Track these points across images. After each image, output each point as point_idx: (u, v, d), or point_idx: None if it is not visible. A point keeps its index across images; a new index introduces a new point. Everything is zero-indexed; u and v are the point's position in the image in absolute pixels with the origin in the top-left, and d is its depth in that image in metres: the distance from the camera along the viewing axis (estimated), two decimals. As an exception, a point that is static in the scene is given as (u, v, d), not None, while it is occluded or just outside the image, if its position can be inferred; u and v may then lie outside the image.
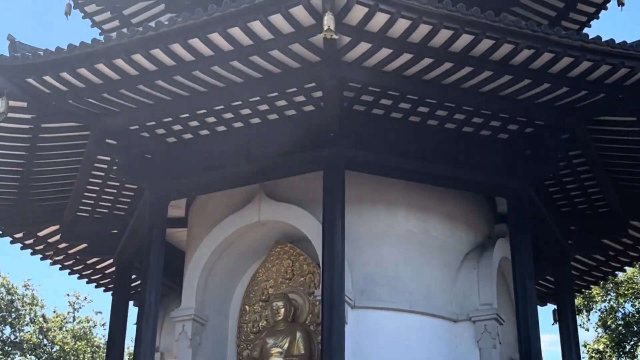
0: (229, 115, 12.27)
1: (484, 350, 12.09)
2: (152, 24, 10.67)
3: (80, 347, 32.94)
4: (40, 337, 32.18)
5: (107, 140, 12.53)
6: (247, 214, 12.79)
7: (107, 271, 17.49)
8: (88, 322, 34.68)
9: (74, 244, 16.07)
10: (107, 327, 34.05)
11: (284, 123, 12.28)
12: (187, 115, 12.19)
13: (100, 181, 14.11)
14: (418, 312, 12.17)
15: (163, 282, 16.03)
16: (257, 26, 10.21)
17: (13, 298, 31.73)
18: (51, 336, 32.68)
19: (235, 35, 10.30)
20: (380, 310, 11.96)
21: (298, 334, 12.32)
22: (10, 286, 31.68)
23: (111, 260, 16.86)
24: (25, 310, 32.07)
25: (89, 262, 17.03)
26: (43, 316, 32.84)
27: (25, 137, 12.69)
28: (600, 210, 14.77)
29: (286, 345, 12.24)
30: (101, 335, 34.33)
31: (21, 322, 31.76)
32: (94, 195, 14.55)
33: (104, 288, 18.29)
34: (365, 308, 11.87)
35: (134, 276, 17.29)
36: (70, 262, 16.87)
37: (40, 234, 15.84)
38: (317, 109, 12.04)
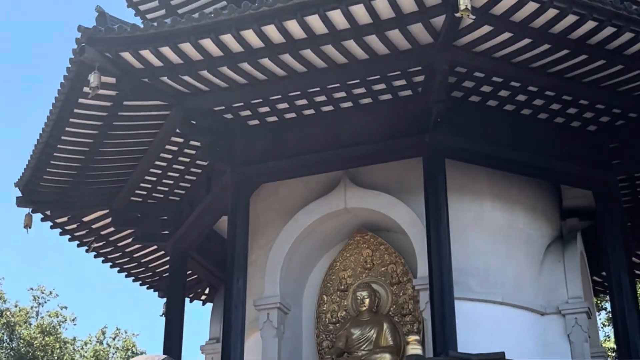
0: (320, 98, 11.88)
1: (575, 344, 11.92)
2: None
3: (48, 342, 31.93)
4: (4, 332, 31.09)
5: (191, 121, 12.00)
6: (333, 200, 12.41)
7: (143, 260, 16.89)
8: (57, 317, 33.72)
9: (118, 230, 15.48)
10: (77, 322, 33.84)
11: (377, 108, 11.95)
12: (277, 97, 11.77)
13: (165, 164, 13.55)
14: (509, 304, 11.94)
15: (212, 272, 15.86)
16: (380, 4, 9.86)
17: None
18: (18, 331, 31.66)
19: (332, 17, 9.96)
20: (473, 302, 11.68)
21: (385, 325, 12.02)
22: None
23: (151, 249, 16.39)
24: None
25: (128, 250, 16.40)
26: (8, 310, 31.78)
27: (100, 115, 12.10)
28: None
29: (374, 337, 11.94)
30: (70, 330, 33.41)
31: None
32: (154, 179, 13.99)
33: (133, 277, 17.66)
34: (458, 299, 11.54)
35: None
36: (109, 249, 16.24)
37: (86, 219, 15.20)
38: (414, 94, 11.75)
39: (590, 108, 12.08)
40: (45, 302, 33.68)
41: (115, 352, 35.61)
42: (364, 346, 11.86)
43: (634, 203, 14.76)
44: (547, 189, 13.64)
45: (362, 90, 11.67)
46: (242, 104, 11.94)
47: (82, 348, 34.12)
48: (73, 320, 33.62)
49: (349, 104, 12.01)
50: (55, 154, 12.84)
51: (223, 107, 12.04)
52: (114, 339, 36.14)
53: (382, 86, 11.59)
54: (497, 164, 12.10)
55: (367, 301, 12.16)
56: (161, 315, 17.91)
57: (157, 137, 12.73)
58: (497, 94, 11.76)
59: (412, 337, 9.73)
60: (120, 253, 16.50)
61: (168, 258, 16.69)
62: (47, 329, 32.56)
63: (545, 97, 11.83)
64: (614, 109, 12.10)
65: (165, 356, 6.40)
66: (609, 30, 10.33)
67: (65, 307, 33.54)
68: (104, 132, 12.44)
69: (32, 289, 33.81)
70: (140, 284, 17.97)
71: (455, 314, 10.59)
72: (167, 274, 17.39)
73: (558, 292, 12.36)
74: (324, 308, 12.67)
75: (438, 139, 11.45)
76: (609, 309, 27.37)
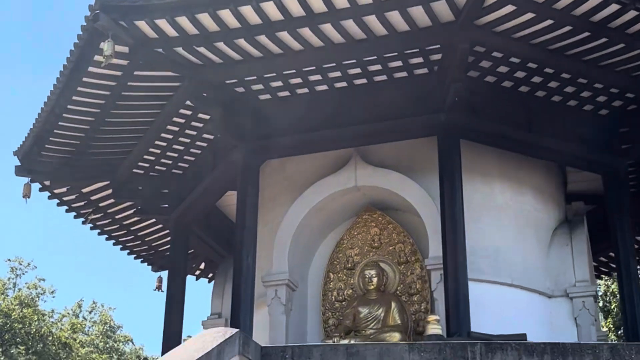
0: (335, 74, 11.72)
1: (582, 327, 11.95)
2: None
3: (26, 314, 31.60)
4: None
5: (203, 94, 11.80)
6: (343, 178, 12.30)
7: (139, 233, 16.69)
8: (36, 289, 33.39)
9: (118, 202, 15.27)
10: (55, 294, 33.57)
11: (391, 85, 11.83)
12: (291, 71, 11.60)
13: (170, 137, 13.35)
14: (518, 287, 11.95)
15: (212, 247, 15.71)
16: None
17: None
18: (-6, 302, 31.30)
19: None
20: (483, 283, 11.63)
21: (393, 305, 11.95)
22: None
23: (148, 223, 16.21)
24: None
25: (125, 223, 16.20)
26: (-17, 281, 31.44)
27: (109, 84, 11.87)
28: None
29: (382, 315, 11.87)
30: (50, 302, 33.10)
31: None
32: (158, 151, 13.79)
33: (128, 251, 17.47)
34: (470, 280, 11.51)
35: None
36: (106, 221, 16.03)
37: (85, 190, 14.98)
38: (429, 72, 11.64)
39: (604, 92, 12.04)
40: (23, 274, 33.37)
41: (92, 325, 35.49)
42: (372, 325, 11.79)
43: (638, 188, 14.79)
44: (554, 172, 13.62)
45: (377, 67, 11.53)
46: (255, 77, 11.76)
47: (60, 321, 33.89)
48: (52, 292, 33.34)
49: (363, 81, 11.87)
50: (59, 123, 12.62)
51: (236, 81, 11.85)
52: (90, 312, 36.07)
53: (398, 63, 11.46)
54: (510, 146, 12.05)
55: (375, 280, 12.09)
56: (155, 290, 17.86)
57: (165, 108, 12.53)
58: (513, 75, 11.67)
59: (432, 317, 9.68)
60: (117, 225, 16.30)
61: (165, 232, 16.62)
62: (25, 301, 32.24)
63: (561, 80, 11.77)
64: (627, 93, 12.06)
65: (236, 330, 6.35)
66: (631, 14, 10.26)
67: (43, 280, 33.25)
68: (112, 102, 12.21)
69: (9, 260, 33.49)
70: (135, 258, 17.80)
71: (469, 294, 10.54)
72: (162, 248, 17.36)
73: (566, 275, 12.37)
74: (330, 286, 12.59)
75: (454, 119, 11.34)
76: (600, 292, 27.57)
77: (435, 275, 11.33)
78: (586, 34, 10.65)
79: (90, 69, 11.40)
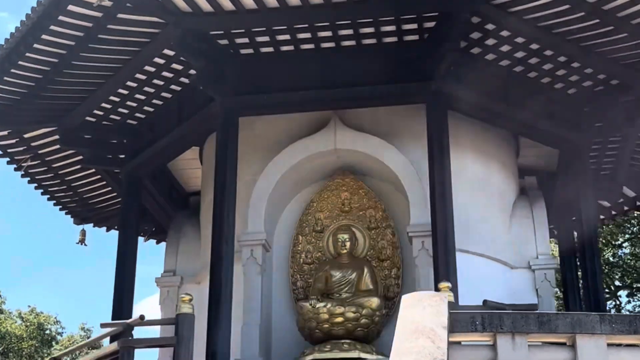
0: (325, 34, 11.48)
1: (544, 298, 12.34)
2: None
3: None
4: None
5: (187, 43, 11.29)
6: (322, 140, 12.11)
7: (74, 184, 15.91)
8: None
9: (59, 151, 14.51)
10: None
11: (380, 50, 11.70)
12: (281, 27, 11.28)
13: (135, 85, 12.74)
14: (486, 256, 12.19)
15: (159, 204, 15.19)
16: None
17: None
18: None
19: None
20: (457, 252, 11.76)
21: (365, 269, 11.95)
22: None
23: (85, 174, 15.50)
24: None
25: (60, 172, 15.41)
26: None
27: (85, 26, 11.17)
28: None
29: (355, 280, 11.85)
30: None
31: None
32: (117, 99, 13.13)
33: (55, 201, 16.63)
34: (443, 248, 11.64)
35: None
36: (42, 169, 15.18)
37: (27, 135, 14.14)
38: (420, 40, 11.59)
39: (578, 71, 12.34)
40: None
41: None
42: (346, 289, 11.76)
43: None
44: (513, 146, 13.94)
45: (370, 29, 11.38)
46: (243, 30, 11.36)
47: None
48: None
49: (351, 43, 11.69)
50: (20, 62, 11.80)
51: (221, 32, 11.42)
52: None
53: (391, 28, 11.35)
54: (490, 118, 12.22)
55: (348, 244, 12.05)
56: (77, 243, 17.15)
57: (138, 55, 11.92)
58: (498, 48, 11.78)
59: (444, 284, 9.68)
60: (51, 174, 15.48)
61: (100, 184, 15.96)
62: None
63: (542, 57, 11.98)
64: (599, 75, 12.41)
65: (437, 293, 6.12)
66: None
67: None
68: (83, 44, 11.51)
69: None
70: (60, 209, 16.99)
71: (457, 262, 10.67)
72: (92, 200, 16.67)
73: (528, 247, 12.75)
74: (299, 248, 12.43)
75: (444, 88, 11.36)
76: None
77: (417, 243, 11.38)
78: (581, 13, 10.84)
79: (70, 7, 10.70)
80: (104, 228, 17.84)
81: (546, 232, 12.90)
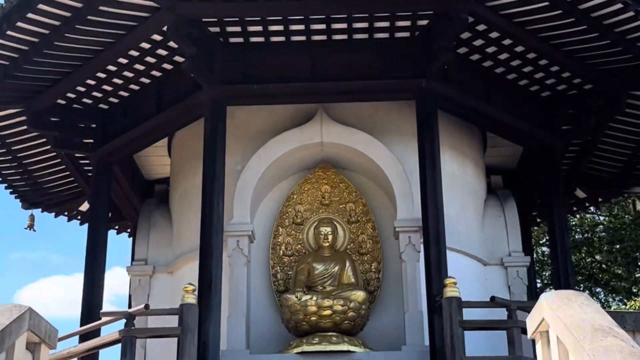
0: (318, 27, 11.47)
1: (516, 295, 12.66)
2: None
3: None
4: None
5: (178, 28, 11.08)
6: (309, 132, 12.08)
7: (30, 167, 15.42)
8: None
9: (22, 133, 14.04)
10: None
11: (371, 45, 11.76)
12: (272, 18, 11.22)
13: (114, 69, 12.42)
14: (462, 252, 12.38)
15: (125, 193, 14.87)
16: None
17: None
18: None
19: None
20: (436, 248, 11.95)
21: (347, 263, 12.01)
22: None
23: (45, 157, 15.03)
24: None
25: (19, 155, 14.90)
26: None
27: (74, 6, 10.86)
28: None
29: (337, 273, 11.90)
30: None
31: None
32: (93, 82, 12.78)
33: (6, 185, 16.10)
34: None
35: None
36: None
37: (-8, 115, 13.61)
38: (411, 37, 11.71)
39: (555, 75, 12.68)
40: None
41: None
42: (328, 282, 11.80)
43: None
44: (482, 145, 14.23)
45: (363, 24, 11.43)
46: (237, 19, 11.24)
47: None
48: None
49: (343, 37, 11.71)
50: (-1, 41, 11.38)
51: (214, 20, 11.27)
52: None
53: (385, 24, 11.42)
54: (475, 119, 12.45)
55: (330, 237, 12.07)
56: (26, 228, 16.72)
57: (123, 39, 11.64)
58: (484, 50, 12.01)
59: (450, 280, 9.83)
60: (10, 157, 14.95)
61: (59, 168, 15.53)
62: None
63: (524, 59, 12.27)
64: (575, 79, 12.78)
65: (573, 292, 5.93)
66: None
67: None
68: (70, 25, 11.18)
69: None
70: (11, 192, 16.45)
71: (447, 258, 10.84)
72: (47, 185, 16.19)
73: (500, 245, 13.06)
74: (279, 240, 12.39)
75: (434, 86, 11.52)
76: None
77: (404, 237, 11.50)
78: (570, 19, 11.15)
79: (63, -14, 10.38)
80: (53, 214, 17.40)
81: (518, 230, 13.23)
